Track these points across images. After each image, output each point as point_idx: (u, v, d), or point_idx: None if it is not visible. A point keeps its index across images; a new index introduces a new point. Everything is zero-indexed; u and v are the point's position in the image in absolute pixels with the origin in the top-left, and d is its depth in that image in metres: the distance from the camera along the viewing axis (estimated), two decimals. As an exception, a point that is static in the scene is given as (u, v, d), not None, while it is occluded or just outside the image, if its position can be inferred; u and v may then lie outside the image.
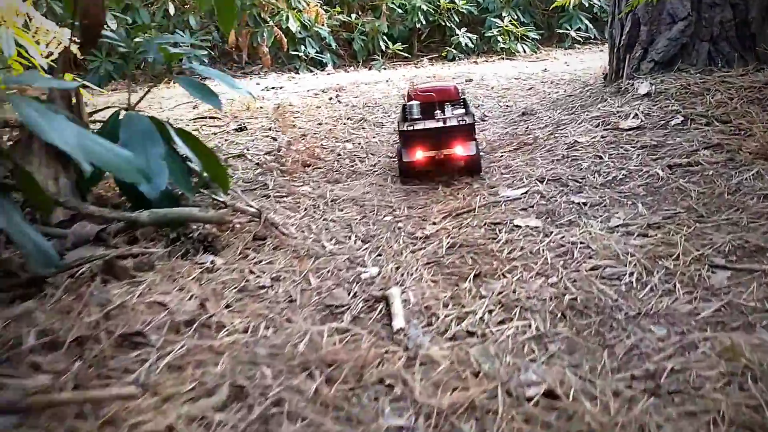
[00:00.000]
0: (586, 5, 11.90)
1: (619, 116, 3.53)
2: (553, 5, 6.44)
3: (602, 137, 3.31)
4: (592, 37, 12.19)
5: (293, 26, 9.45)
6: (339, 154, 3.76)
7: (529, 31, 11.33)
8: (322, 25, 10.18)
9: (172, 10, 8.98)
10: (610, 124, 3.48)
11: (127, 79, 9.21)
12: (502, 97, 5.70)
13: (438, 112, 3.03)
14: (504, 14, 11.45)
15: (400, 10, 10.83)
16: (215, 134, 4.65)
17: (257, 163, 3.55)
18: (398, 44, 10.66)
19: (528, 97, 5.45)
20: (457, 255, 2.14)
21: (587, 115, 3.77)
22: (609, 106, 3.79)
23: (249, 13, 9.49)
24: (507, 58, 10.91)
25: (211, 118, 5.50)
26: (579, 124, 3.64)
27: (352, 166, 3.48)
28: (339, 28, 10.68)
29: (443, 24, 11.19)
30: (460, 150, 2.86)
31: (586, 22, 12.02)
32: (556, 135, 3.54)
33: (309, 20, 10.05)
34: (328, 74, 9.76)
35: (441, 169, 3.02)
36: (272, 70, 10.04)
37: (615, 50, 4.24)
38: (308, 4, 10.00)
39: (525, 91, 5.95)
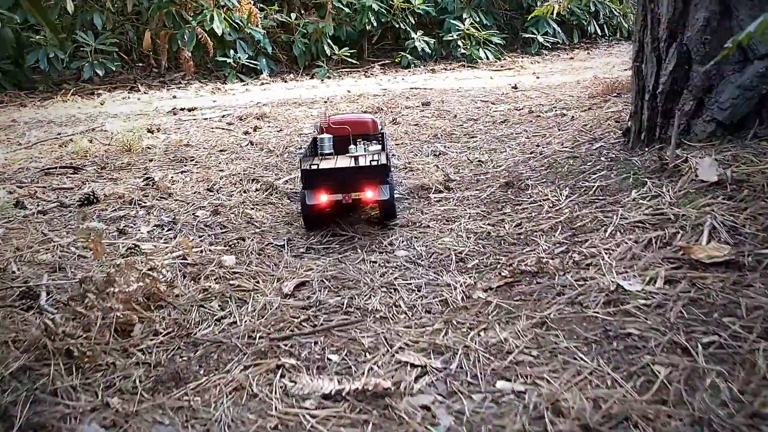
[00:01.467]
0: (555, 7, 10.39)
1: (682, 228, 2.01)
2: (532, 15, 4.85)
3: (668, 283, 1.79)
4: (560, 42, 10.72)
5: (219, 28, 7.75)
6: (205, 285, 2.18)
7: (493, 35, 9.80)
8: (257, 25, 8.51)
9: (71, 8, 7.21)
10: (670, 246, 1.96)
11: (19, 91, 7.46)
12: (470, 138, 4.15)
13: (352, 147, 2.71)
14: (464, 15, 9.90)
15: (347, 10, 9.19)
16: (43, 213, 3.00)
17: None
18: (345, 49, 9.03)
19: (506, 141, 3.91)
20: None
21: (620, 212, 2.24)
22: (655, 199, 2.27)
23: (167, 12, 7.76)
24: (468, 66, 9.37)
25: (73, 168, 3.84)
26: (611, 234, 2.12)
27: (221, 319, 1.90)
28: (277, 29, 9.01)
29: (397, 26, 9.60)
30: (370, 194, 2.40)
31: (554, 26, 10.53)
32: (577, 259, 2.01)
33: (241, 20, 8.36)
34: (262, 84, 8.10)
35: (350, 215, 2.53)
36: (196, 78, 8.34)
37: (646, 96, 2.71)
38: (239, 2, 8.31)
39: (499, 128, 4.41)
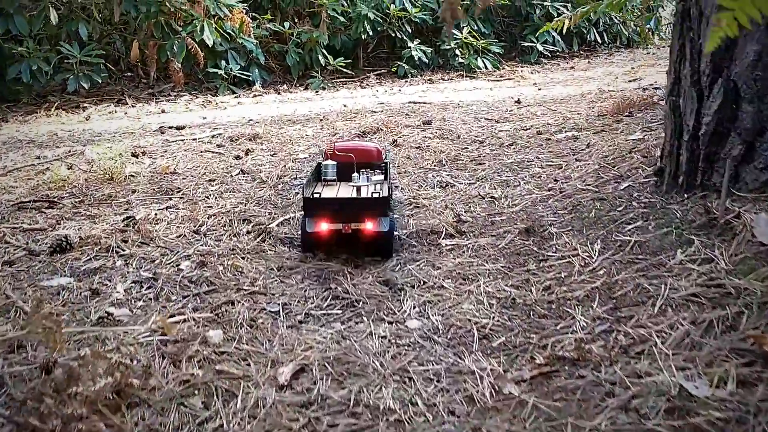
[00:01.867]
0: (555, 15, 10.11)
1: (747, 307, 1.70)
2: (542, 30, 4.55)
3: (742, 386, 1.49)
4: (560, 50, 10.43)
5: (209, 38, 7.42)
6: (187, 373, 1.87)
7: (491, 44, 9.50)
8: (249, 35, 8.18)
9: (54, 18, 6.87)
10: (736, 332, 1.65)
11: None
12: (477, 165, 3.85)
13: (355, 175, 2.63)
14: (462, 23, 9.59)
15: (342, 19, 8.87)
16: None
17: None
18: (340, 59, 8.71)
19: (518, 171, 3.60)
20: None
21: (668, 280, 1.94)
22: (707, 264, 1.95)
23: (155, 22, 7.42)
24: (467, 76, 9.07)
25: (48, 201, 3.52)
26: (660, 310, 1.81)
27: (205, 422, 1.59)
28: (270, 39, 8.68)
29: (393, 35, 9.29)
30: (370, 225, 2.34)
31: (554, 33, 10.25)
32: (624, 344, 1.70)
33: (233, 30, 8.03)
34: (255, 96, 7.77)
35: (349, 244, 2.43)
36: (187, 90, 8.01)
37: (685, 136, 2.40)
38: (231, 11, 7.98)
39: (507, 152, 4.11)
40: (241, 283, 2.33)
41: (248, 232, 2.83)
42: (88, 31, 7.35)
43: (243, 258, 2.55)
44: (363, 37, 9.05)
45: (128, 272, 2.47)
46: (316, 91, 8.09)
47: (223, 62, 7.97)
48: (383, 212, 2.37)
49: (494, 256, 2.44)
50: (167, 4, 7.24)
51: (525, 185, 3.28)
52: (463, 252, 2.50)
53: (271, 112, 6.37)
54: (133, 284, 2.36)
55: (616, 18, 11.07)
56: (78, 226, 3.02)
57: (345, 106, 6.56)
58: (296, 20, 9.03)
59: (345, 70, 8.73)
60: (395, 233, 2.56)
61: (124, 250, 2.68)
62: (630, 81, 7.82)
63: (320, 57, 8.63)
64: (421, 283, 2.26)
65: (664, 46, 11.82)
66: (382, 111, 6.13)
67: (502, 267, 2.33)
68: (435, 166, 3.92)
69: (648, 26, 11.78)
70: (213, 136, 5.00)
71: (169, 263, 2.54)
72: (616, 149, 3.55)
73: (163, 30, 7.50)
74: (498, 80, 8.71)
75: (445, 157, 4.10)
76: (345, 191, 2.54)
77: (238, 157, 4.27)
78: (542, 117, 5.45)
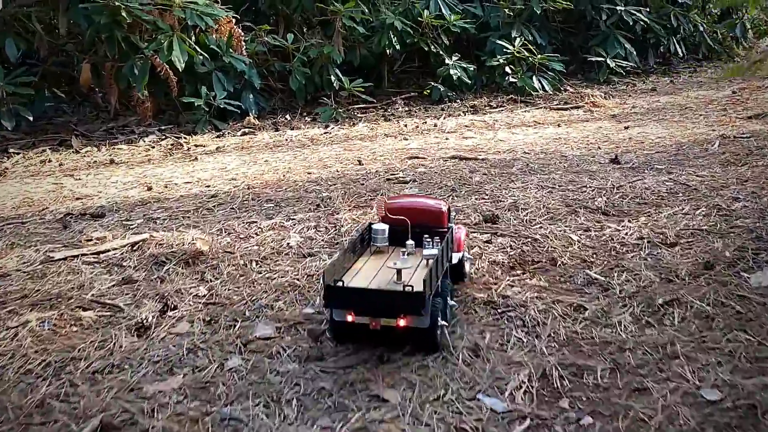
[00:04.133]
0: (630, 22, 7.87)
1: None
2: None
3: None
4: (633, 65, 8.18)
5: (179, 59, 5.34)
6: None
7: (551, 59, 7.29)
8: (240, 52, 6.09)
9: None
10: None
11: None
12: (635, 378, 1.72)
13: (409, 243, 2.16)
14: (514, 33, 7.41)
15: (362, 29, 6.73)
16: None
17: None
18: (358, 81, 6.57)
19: (664, 330, 1.46)
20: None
21: None
22: None
23: (109, 37, 5.36)
24: (521, 101, 6.89)
25: None
26: None
27: None
28: (269, 55, 6.59)
29: (426, 48, 7.12)
30: (402, 323, 1.87)
31: (626, 44, 8.00)
32: None
33: (220, 44, 5.95)
34: (244, 133, 5.72)
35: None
36: (158, 123, 5.96)
37: None
38: (216, 21, 5.89)
39: (632, 279, 1.99)
40: None
41: None
42: (19, 49, 5.30)
43: None
44: (388, 51, 6.91)
45: None
46: (326, 126, 5.97)
47: (205, 88, 5.87)
48: (417, 309, 1.83)
49: None
50: (122, 13, 5.17)
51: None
52: None
53: (252, 173, 4.27)
54: None
55: (701, 26, 8.78)
56: None
57: (360, 162, 4.42)
58: (304, 31, 6.92)
59: (363, 95, 6.59)
60: (444, 322, 1.94)
61: None
62: (750, 117, 5.60)
63: (333, 78, 6.51)
64: None
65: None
66: (413, 175, 3.99)
67: None
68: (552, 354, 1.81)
69: (732, 34, 9.47)
70: (133, 247, 2.89)
71: None
72: None
73: (120, 47, 5.43)
74: (563, 108, 6.52)
75: (551, 340, 1.98)
76: (383, 276, 2.01)
77: (140, 330, 2.16)
78: (673, 200, 3.29)
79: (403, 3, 6.92)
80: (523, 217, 3.12)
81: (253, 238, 2.97)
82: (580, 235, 2.89)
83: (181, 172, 4.41)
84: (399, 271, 1.98)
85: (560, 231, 2.93)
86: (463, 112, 6.51)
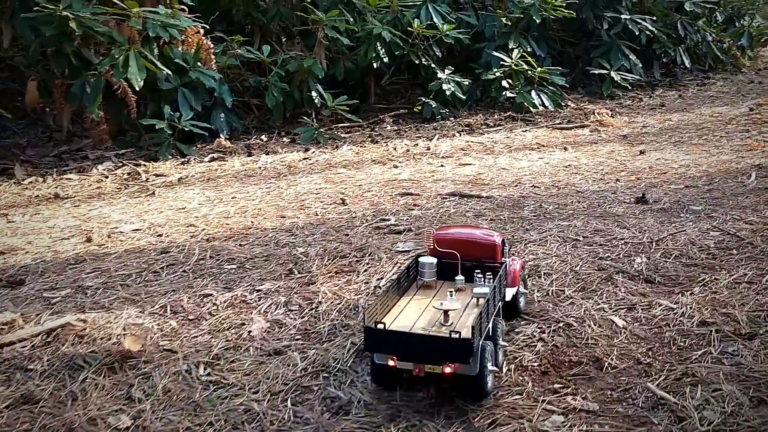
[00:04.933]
0: (635, 32, 7.28)
1: None
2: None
3: None
4: (638, 78, 7.54)
5: (137, 76, 4.64)
6: None
7: (553, 73, 6.67)
8: (210, 66, 5.41)
9: None
10: None
11: None
12: None
13: (459, 278, 2.04)
14: (511, 44, 6.77)
15: (346, 40, 6.07)
16: None
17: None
18: (342, 98, 5.90)
19: None
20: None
21: None
22: None
23: (56, 52, 4.66)
24: (521, 119, 6.26)
25: None
26: None
27: None
28: (242, 69, 5.90)
29: (417, 61, 6.47)
30: (448, 370, 1.72)
31: (631, 55, 7.39)
32: None
33: (186, 57, 5.27)
34: (213, 159, 5.06)
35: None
36: (117, 147, 5.27)
37: None
38: (183, 32, 5.21)
39: (711, 398, 1.34)
40: None
41: None
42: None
43: None
44: (375, 64, 6.24)
45: None
46: (306, 149, 5.30)
47: (168, 108, 5.17)
48: (465, 357, 1.69)
49: None
50: (72, 24, 4.46)
51: None
52: None
53: (214, 216, 3.58)
54: None
55: (710, 35, 8.18)
56: None
57: (343, 201, 3.75)
58: (283, 42, 6.24)
59: (347, 115, 5.91)
60: (495, 368, 1.80)
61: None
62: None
63: (314, 94, 5.84)
64: None
65: (762, 69, 8.93)
66: (407, 220, 3.33)
67: None
68: None
69: (738, 43, 8.90)
70: (47, 338, 2.20)
71: None
72: None
73: (70, 63, 4.72)
74: (567, 128, 5.88)
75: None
76: (428, 314, 1.88)
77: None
78: (728, 260, 2.67)
79: (391, 12, 6.25)
80: (548, 288, 2.47)
81: (206, 320, 2.29)
82: (624, 316, 2.24)
83: (133, 212, 3.71)
84: (446, 312, 1.85)
85: (598, 310, 2.28)
86: (458, 131, 5.86)
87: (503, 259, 2.13)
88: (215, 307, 2.39)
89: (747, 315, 2.19)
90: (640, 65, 7.44)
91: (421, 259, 2.10)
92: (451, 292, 1.95)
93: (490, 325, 1.87)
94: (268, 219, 3.49)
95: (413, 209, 3.55)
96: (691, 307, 2.27)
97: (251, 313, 2.34)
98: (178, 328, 2.24)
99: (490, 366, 1.79)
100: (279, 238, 3.16)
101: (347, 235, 3.14)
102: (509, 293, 2.12)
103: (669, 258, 2.72)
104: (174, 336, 2.18)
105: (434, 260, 2.09)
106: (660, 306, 2.30)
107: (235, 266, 2.83)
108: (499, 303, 2.02)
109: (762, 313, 2.20)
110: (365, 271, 2.65)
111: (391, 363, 1.75)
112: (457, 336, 1.69)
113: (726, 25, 8.85)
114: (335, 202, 3.74)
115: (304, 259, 2.83)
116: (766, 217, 3.20)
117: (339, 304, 2.38)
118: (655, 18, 7.66)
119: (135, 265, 2.85)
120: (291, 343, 2.12)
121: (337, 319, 2.26)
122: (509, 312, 2.18)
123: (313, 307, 2.38)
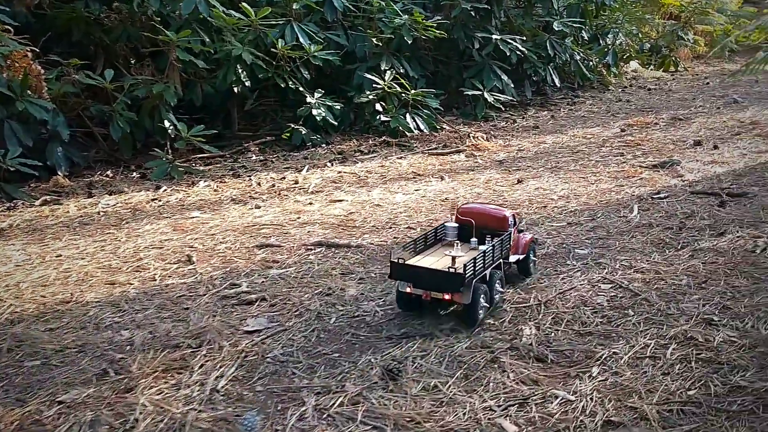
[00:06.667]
0: (506, 52, 7.10)
1: None
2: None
3: None
4: (511, 98, 7.36)
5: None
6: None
7: (426, 95, 6.34)
8: (41, 94, 4.65)
9: None
10: None
11: None
12: None
13: (474, 240, 2.67)
14: (383, 65, 6.38)
15: (202, 63, 5.44)
16: None
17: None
18: (199, 127, 5.26)
19: None
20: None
21: None
22: None
23: None
24: (396, 144, 5.86)
25: None
26: None
27: None
28: (81, 97, 5.14)
29: (284, 84, 5.92)
30: (448, 296, 2.35)
31: (503, 75, 7.19)
32: None
33: (12, 85, 4.48)
34: (44, 203, 4.34)
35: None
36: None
37: None
38: (7, 57, 4.43)
39: None
40: None
41: None
42: None
43: None
44: (236, 88, 5.65)
45: None
46: (157, 187, 4.63)
47: (-10, 144, 4.36)
48: (456, 287, 2.30)
49: None
50: None
51: None
52: None
53: (27, 286, 2.87)
54: None
55: (578, 54, 8.15)
56: None
57: (190, 260, 3.14)
58: (130, 64, 5.52)
59: (204, 146, 5.27)
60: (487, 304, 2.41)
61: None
62: (654, 165, 4.85)
63: (167, 123, 5.17)
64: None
65: (627, 87, 9.05)
66: (262, 283, 2.79)
67: None
68: None
69: (605, 61, 8.98)
70: None
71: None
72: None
73: None
74: (443, 153, 5.53)
75: None
76: (443, 260, 2.50)
77: None
78: (624, 325, 2.33)
79: (252, 31, 5.68)
80: (414, 387, 2.00)
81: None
82: (516, 416, 1.81)
83: None
84: (453, 258, 2.42)
85: (485, 410, 1.83)
86: (330, 160, 5.37)
87: (510, 229, 2.71)
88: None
89: (657, 410, 1.82)
90: (512, 85, 7.26)
91: (445, 224, 2.75)
92: (477, 239, 2.64)
93: (488, 273, 2.44)
94: (94, 287, 2.84)
95: (272, 267, 3.01)
96: (592, 399, 1.87)
97: (38, 448, 1.72)
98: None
99: (483, 302, 2.37)
100: (101, 316, 2.53)
101: (187, 308, 2.56)
102: (513, 257, 2.73)
103: (560, 325, 2.34)
104: None
105: (456, 225, 2.73)
106: (557, 399, 1.89)
107: (38, 363, 2.19)
108: (499, 259, 2.57)
109: (674, 406, 1.84)
110: (200, 367, 2.09)
111: (408, 290, 2.38)
112: (452, 270, 2.29)
113: (591, 44, 8.90)
114: (180, 261, 3.14)
115: (126, 349, 2.22)
116: (655, 262, 2.91)
117: (161, 422, 1.81)
118: (524, 38, 7.52)
119: None
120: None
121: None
122: (522, 271, 2.83)
123: (127, 428, 1.79)
